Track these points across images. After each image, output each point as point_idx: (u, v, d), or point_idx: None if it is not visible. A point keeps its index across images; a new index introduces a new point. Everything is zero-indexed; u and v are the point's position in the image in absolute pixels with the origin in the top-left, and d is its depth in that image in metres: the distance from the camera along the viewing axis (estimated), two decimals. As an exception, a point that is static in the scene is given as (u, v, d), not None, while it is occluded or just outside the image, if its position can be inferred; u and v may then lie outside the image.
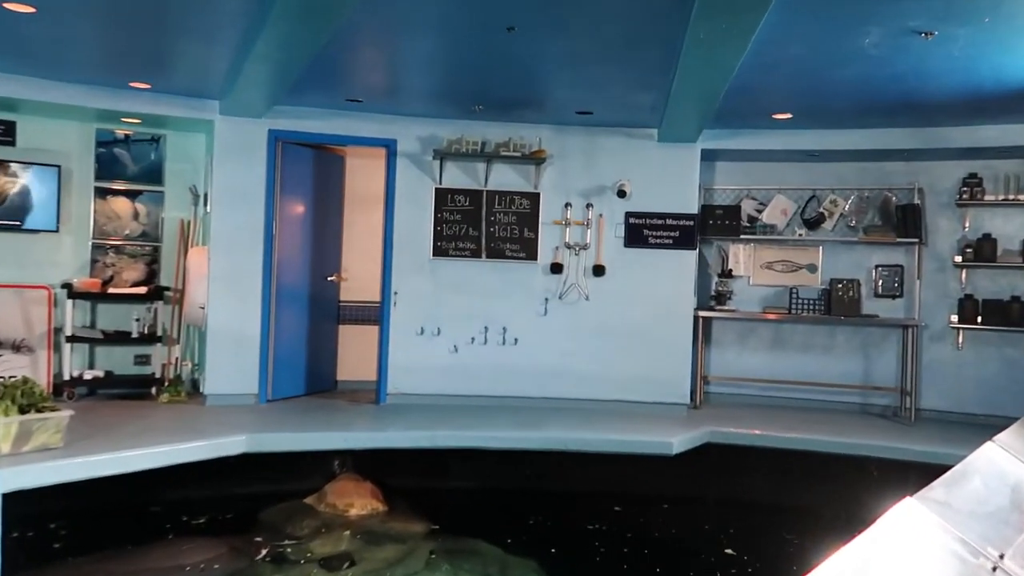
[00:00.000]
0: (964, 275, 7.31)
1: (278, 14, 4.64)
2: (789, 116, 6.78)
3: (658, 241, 7.39)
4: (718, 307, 7.70)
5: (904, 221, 7.31)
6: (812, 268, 7.76)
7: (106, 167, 7.38)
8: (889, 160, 7.43)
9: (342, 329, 8.10)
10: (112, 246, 7.41)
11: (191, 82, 6.44)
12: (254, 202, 7.05)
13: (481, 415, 6.77)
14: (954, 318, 7.28)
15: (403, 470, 6.13)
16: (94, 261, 7.35)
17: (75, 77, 6.37)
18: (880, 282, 7.56)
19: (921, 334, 7.37)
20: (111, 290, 7.26)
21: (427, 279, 7.34)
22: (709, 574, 5.09)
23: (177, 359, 7.46)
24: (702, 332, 7.56)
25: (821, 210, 7.65)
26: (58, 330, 7.04)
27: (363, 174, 8.01)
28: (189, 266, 7.18)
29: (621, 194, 7.32)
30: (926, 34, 4.57)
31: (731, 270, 7.83)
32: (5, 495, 4.37)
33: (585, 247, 7.41)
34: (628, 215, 7.40)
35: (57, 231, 7.13)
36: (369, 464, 6.05)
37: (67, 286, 7.06)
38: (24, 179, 6.97)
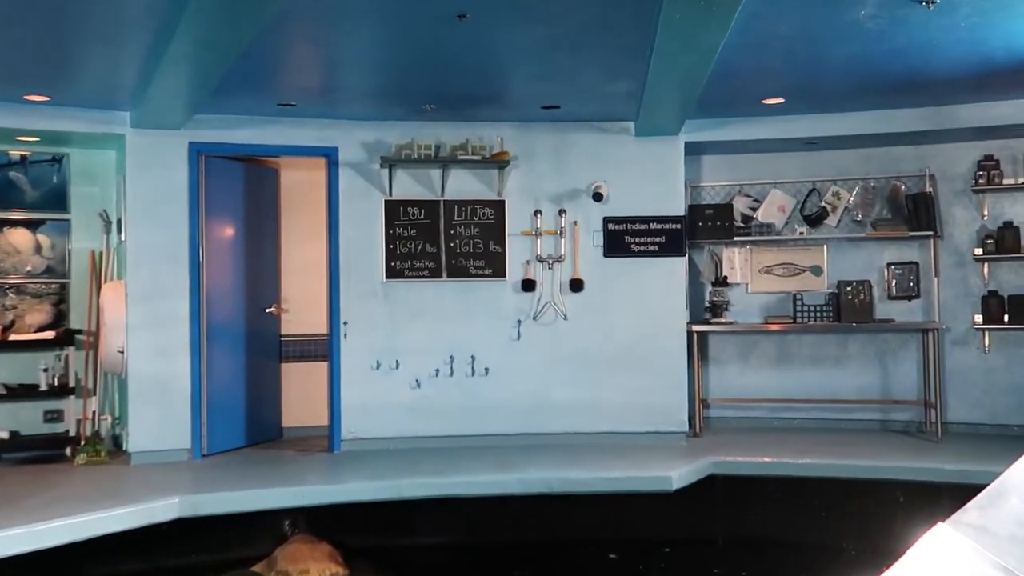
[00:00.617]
0: (986, 269, 7.43)
1: (195, 8, 4.63)
2: (781, 101, 6.87)
3: (642, 248, 7.44)
4: (714, 320, 7.75)
5: (916, 212, 7.44)
6: (817, 270, 7.86)
7: (0, 194, 7.29)
8: (896, 145, 7.56)
9: (286, 368, 8.05)
10: (11, 286, 7.31)
11: (96, 92, 6.39)
12: (176, 227, 6.99)
13: (451, 458, 6.74)
14: (978, 318, 7.40)
15: (364, 527, 6.08)
16: (-9, 304, 7.25)
17: (-42, 92, 6.30)
18: (893, 282, 7.67)
19: (943, 338, 7.46)
20: (12, 337, 7.16)
21: (381, 305, 7.32)
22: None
23: (94, 413, 7.34)
24: (698, 349, 7.61)
25: (823, 204, 7.75)
26: (-49, 387, 6.92)
27: (301, 189, 8.00)
28: (103, 304, 7.09)
29: (597, 197, 7.36)
30: (927, 3, 4.65)
31: (726, 277, 7.90)
32: None
33: (560, 259, 7.44)
34: (606, 220, 7.45)
35: (-55, 272, 7.04)
36: (325, 522, 5.98)
37: (-40, 335, 6.95)
38: (-96, 213, 6.88)
